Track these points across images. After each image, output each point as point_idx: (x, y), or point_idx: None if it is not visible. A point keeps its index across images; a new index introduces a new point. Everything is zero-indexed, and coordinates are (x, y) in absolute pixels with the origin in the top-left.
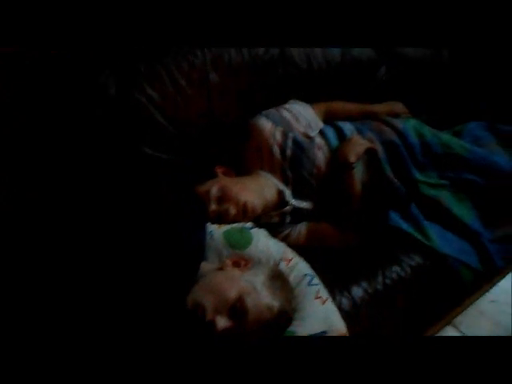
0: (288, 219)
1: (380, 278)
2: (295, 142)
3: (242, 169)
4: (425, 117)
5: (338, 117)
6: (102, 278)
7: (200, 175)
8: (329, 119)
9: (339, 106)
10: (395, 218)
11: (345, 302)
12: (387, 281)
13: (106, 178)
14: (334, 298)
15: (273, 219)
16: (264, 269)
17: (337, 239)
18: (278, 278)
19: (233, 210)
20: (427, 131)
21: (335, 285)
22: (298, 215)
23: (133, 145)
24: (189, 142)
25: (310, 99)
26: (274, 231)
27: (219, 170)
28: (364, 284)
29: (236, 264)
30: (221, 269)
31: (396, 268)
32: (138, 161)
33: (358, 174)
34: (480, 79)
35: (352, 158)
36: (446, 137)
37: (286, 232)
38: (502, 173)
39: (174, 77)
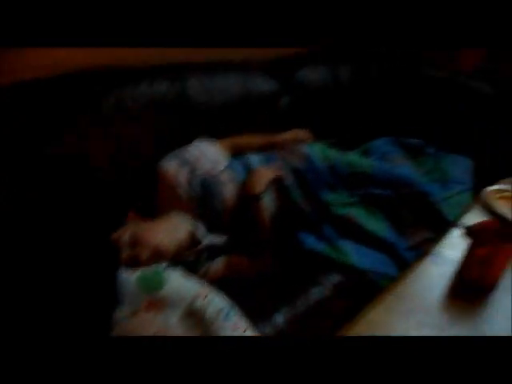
0: (204, 255)
1: (301, 301)
2: (202, 180)
3: (154, 212)
4: (333, 139)
5: (244, 150)
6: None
7: (112, 222)
8: (236, 153)
9: (245, 139)
10: (310, 241)
11: (267, 329)
12: (309, 302)
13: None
14: (256, 327)
15: (189, 257)
16: (178, 308)
17: (252, 269)
18: (193, 316)
19: (145, 254)
20: (332, 154)
21: (256, 314)
22: (214, 251)
23: (46, 194)
24: (100, 190)
25: (215, 135)
26: (193, 269)
27: (131, 216)
28: (285, 309)
29: (149, 307)
30: (135, 314)
31: (316, 289)
32: (50, 210)
33: (267, 203)
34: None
35: (258, 189)
36: (350, 157)
37: (204, 269)
38: (406, 183)
39: (80, 128)
